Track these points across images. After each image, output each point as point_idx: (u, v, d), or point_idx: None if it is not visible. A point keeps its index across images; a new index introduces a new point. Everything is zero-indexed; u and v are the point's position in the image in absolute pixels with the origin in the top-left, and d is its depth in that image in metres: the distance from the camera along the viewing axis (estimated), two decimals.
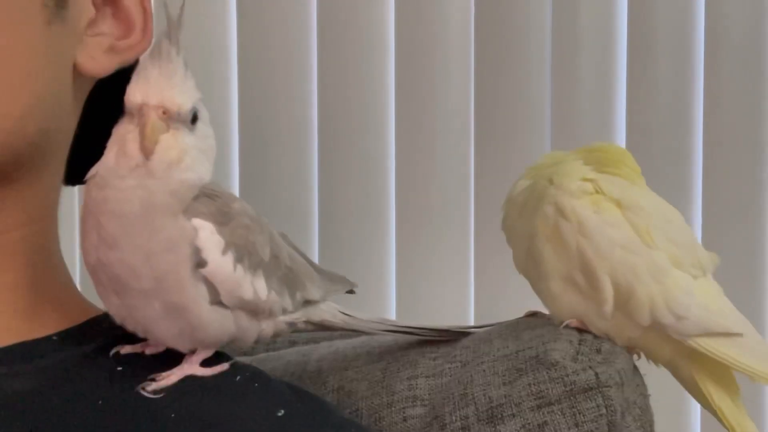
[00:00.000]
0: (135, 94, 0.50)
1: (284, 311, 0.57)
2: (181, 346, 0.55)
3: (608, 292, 0.61)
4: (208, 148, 0.53)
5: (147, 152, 0.50)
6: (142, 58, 0.52)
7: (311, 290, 0.59)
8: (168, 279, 0.52)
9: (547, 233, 0.62)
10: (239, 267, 0.54)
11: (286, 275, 0.57)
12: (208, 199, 0.53)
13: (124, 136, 0.51)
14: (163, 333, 0.54)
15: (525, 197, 0.65)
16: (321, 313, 0.60)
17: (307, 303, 0.59)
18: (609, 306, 0.61)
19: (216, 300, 0.53)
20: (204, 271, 0.52)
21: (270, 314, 0.56)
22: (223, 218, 0.53)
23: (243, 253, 0.54)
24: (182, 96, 0.51)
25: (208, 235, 0.52)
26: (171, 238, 0.52)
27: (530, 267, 0.64)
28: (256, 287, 0.54)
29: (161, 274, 0.52)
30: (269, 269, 0.55)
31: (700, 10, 1.13)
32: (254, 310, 0.55)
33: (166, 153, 0.50)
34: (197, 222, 0.52)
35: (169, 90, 0.50)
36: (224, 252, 0.53)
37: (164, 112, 0.50)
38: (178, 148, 0.51)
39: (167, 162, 0.51)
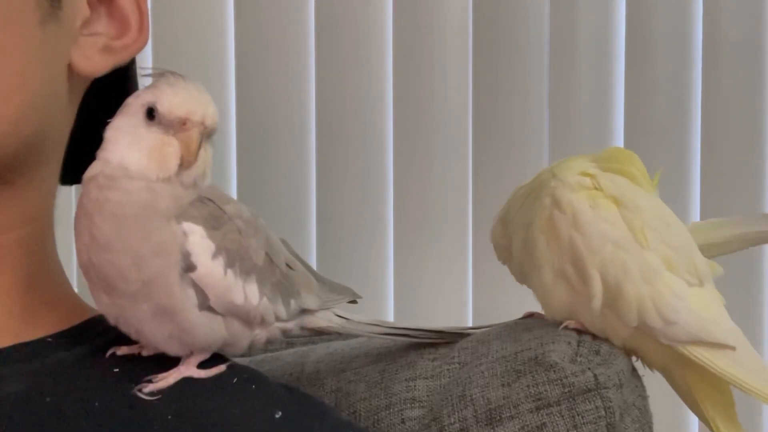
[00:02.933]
0: (179, 107, 0.51)
1: (277, 319, 0.57)
2: (171, 350, 0.54)
3: (597, 287, 0.61)
4: None
5: (190, 165, 0.52)
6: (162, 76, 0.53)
7: (307, 299, 0.58)
8: (156, 283, 0.52)
9: (542, 224, 0.62)
10: (230, 272, 0.53)
11: (280, 282, 0.56)
12: (200, 204, 0.53)
13: (161, 146, 0.51)
14: (154, 335, 0.54)
15: (527, 189, 0.65)
16: (317, 321, 0.60)
17: (303, 312, 0.59)
18: (597, 302, 0.61)
19: (206, 305, 0.53)
20: (193, 275, 0.52)
21: (262, 322, 0.56)
22: (215, 222, 0.53)
23: (234, 257, 0.54)
24: (216, 113, 0.52)
25: (198, 240, 0.52)
26: (162, 242, 0.52)
27: (525, 257, 0.64)
28: (248, 293, 0.54)
29: (149, 278, 0.52)
30: (263, 274, 0.55)
31: (698, 11, 1.14)
32: (245, 317, 0.55)
33: (199, 166, 0.52)
34: (188, 226, 0.52)
35: (208, 107, 0.52)
36: (214, 256, 0.53)
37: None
38: (207, 162, 0.53)
39: (198, 174, 0.52)
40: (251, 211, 0.56)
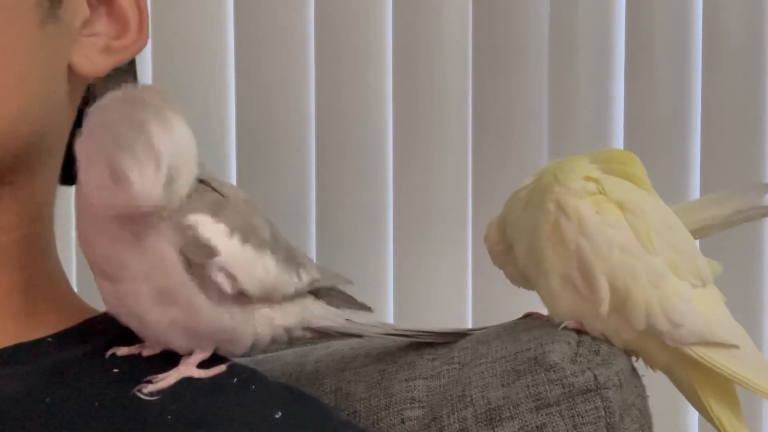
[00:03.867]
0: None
1: (296, 290, 0.57)
2: (175, 340, 0.54)
3: (604, 292, 0.61)
4: None
5: None
6: None
7: (311, 269, 0.58)
8: (155, 263, 0.52)
9: (547, 230, 0.62)
10: (248, 247, 0.53)
11: (287, 254, 0.56)
12: (197, 194, 0.53)
13: None
14: (156, 323, 0.53)
15: (529, 192, 0.64)
16: (320, 319, 0.60)
17: (315, 281, 0.58)
18: (605, 307, 0.61)
19: (236, 288, 0.53)
20: (218, 260, 0.52)
21: (282, 296, 0.56)
22: (217, 208, 0.53)
23: (247, 233, 0.54)
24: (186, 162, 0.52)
25: (210, 227, 0.52)
26: (154, 225, 0.51)
27: (530, 263, 0.64)
28: (267, 265, 0.54)
29: (148, 259, 0.52)
30: (273, 248, 0.55)
31: (698, 12, 1.14)
32: (270, 291, 0.55)
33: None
34: (194, 218, 0.52)
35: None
36: (230, 236, 0.53)
37: None
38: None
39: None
40: (247, 195, 0.56)
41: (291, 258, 0.57)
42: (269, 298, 0.55)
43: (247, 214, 0.54)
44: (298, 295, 0.57)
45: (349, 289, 0.63)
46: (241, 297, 0.54)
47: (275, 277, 0.55)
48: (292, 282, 0.56)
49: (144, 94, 0.50)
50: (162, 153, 0.48)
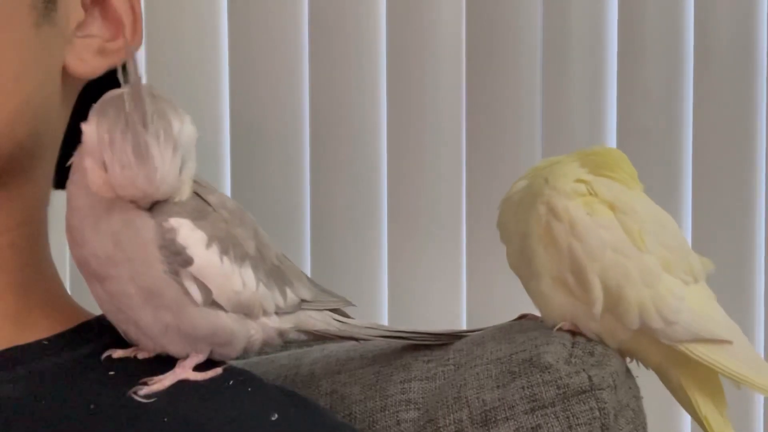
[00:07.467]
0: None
1: (277, 308, 0.56)
2: (171, 346, 0.54)
3: (597, 293, 0.61)
4: None
5: None
6: None
7: (300, 288, 0.58)
8: (137, 262, 0.52)
9: (539, 233, 0.62)
10: (225, 259, 0.53)
11: (272, 270, 0.56)
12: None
13: None
14: (151, 328, 0.53)
15: (521, 196, 0.65)
16: (315, 322, 0.59)
17: (303, 303, 0.58)
18: (598, 307, 0.61)
19: (209, 300, 0.53)
20: (192, 269, 0.52)
21: (263, 311, 0.56)
22: (199, 214, 0.53)
23: (227, 244, 0.53)
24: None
25: (188, 233, 0.52)
26: (133, 221, 0.52)
27: (522, 266, 0.64)
28: (245, 279, 0.54)
29: (129, 257, 0.52)
30: (255, 262, 0.55)
31: (690, 13, 1.14)
32: (247, 306, 0.55)
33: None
34: (175, 221, 0.52)
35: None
36: (208, 246, 0.53)
37: None
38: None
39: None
40: (237, 204, 0.56)
41: (278, 275, 0.56)
42: (247, 313, 0.55)
43: (231, 225, 0.54)
44: (285, 311, 0.57)
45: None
46: None
47: (253, 292, 0.55)
48: (274, 300, 0.56)
49: (152, 89, 0.51)
50: (178, 142, 0.50)
